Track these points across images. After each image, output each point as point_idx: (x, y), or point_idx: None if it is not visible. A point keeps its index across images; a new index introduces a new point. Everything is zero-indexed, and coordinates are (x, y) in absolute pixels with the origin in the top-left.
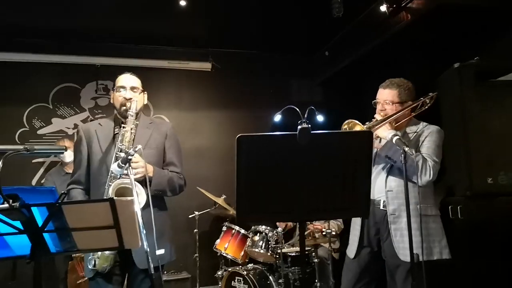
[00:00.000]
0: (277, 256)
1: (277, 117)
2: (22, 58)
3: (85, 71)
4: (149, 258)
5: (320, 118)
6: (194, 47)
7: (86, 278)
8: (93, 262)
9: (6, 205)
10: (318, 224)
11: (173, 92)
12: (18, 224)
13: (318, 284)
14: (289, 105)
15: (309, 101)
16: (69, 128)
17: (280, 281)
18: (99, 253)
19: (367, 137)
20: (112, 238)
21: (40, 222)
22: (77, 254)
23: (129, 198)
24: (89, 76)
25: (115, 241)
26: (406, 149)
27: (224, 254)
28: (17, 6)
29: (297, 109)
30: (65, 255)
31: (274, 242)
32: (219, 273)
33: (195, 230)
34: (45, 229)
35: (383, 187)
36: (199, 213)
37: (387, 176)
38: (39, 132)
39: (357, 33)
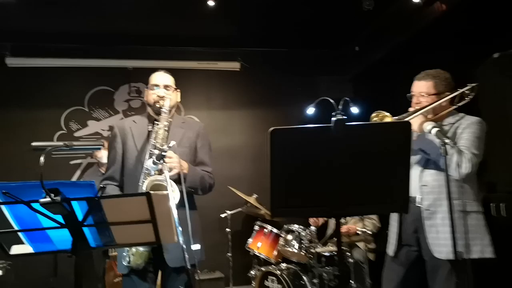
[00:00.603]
0: (311, 256)
1: (310, 110)
2: (58, 63)
3: (118, 74)
4: (185, 253)
5: (354, 110)
6: (223, 47)
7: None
8: (127, 259)
9: (48, 199)
10: (352, 226)
11: (203, 93)
12: (59, 218)
13: (354, 285)
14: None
15: (339, 97)
16: (104, 130)
17: (315, 281)
18: (134, 250)
19: (406, 128)
20: (149, 232)
21: (80, 217)
22: (114, 253)
23: (165, 192)
24: (122, 79)
25: (151, 235)
26: (447, 140)
27: (257, 254)
28: (53, 14)
29: (331, 101)
30: (103, 254)
31: (307, 242)
32: (252, 272)
33: (227, 230)
34: (85, 223)
35: (417, 182)
36: (231, 212)
37: (422, 170)
38: (76, 134)
39: (388, 26)
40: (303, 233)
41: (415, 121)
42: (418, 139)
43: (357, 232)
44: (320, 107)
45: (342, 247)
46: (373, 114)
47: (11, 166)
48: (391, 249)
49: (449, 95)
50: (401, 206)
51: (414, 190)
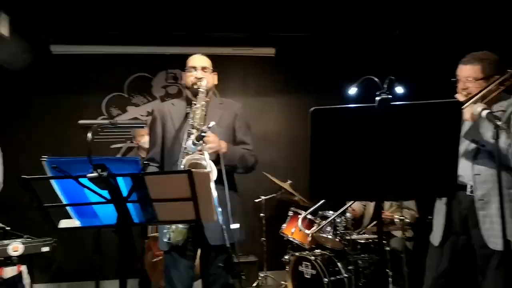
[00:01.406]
0: (346, 243)
1: (352, 90)
2: (100, 50)
3: (156, 60)
4: (225, 232)
5: (399, 89)
6: (258, 33)
7: (161, 257)
8: (168, 236)
9: (95, 174)
10: (388, 213)
11: (238, 79)
12: (105, 193)
13: (390, 273)
14: (357, 84)
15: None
16: (142, 116)
17: (350, 267)
18: (174, 227)
19: (455, 107)
20: (189, 210)
21: (125, 192)
22: (152, 234)
23: (206, 170)
24: (160, 66)
25: (192, 213)
26: (499, 123)
27: (290, 239)
28: (95, 2)
29: (376, 79)
30: (141, 234)
31: (342, 228)
32: (286, 257)
33: (262, 215)
34: (129, 199)
35: (469, 170)
36: (265, 197)
37: (474, 159)
38: (116, 119)
39: (429, 8)
40: (338, 220)
41: (466, 111)
42: (470, 128)
43: (395, 220)
44: (363, 89)
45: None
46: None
47: (58, 148)
48: (436, 238)
49: (498, 78)
50: (448, 190)
51: (467, 178)
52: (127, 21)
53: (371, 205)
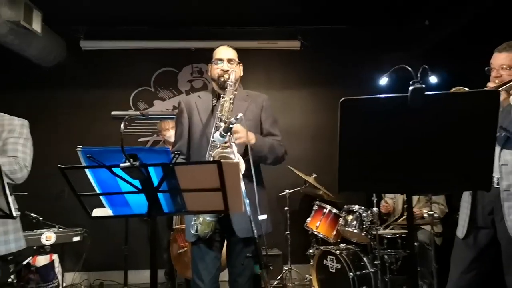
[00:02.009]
0: (372, 238)
1: (383, 80)
2: (127, 45)
3: (181, 55)
4: (252, 223)
5: (433, 79)
6: (283, 26)
7: (186, 248)
8: (195, 228)
9: (127, 163)
10: (416, 209)
11: (262, 72)
12: (137, 183)
13: (418, 269)
14: (388, 74)
15: (405, 75)
16: (168, 110)
17: (376, 262)
18: (201, 219)
19: (493, 97)
20: (218, 201)
21: (155, 182)
22: (178, 226)
23: (235, 161)
24: (185, 60)
25: (220, 204)
26: None
27: (315, 233)
28: None
29: (409, 68)
30: (167, 226)
31: (369, 222)
32: (311, 251)
33: (286, 208)
34: (160, 189)
35: (496, 161)
36: (290, 191)
37: (501, 149)
38: (147, 111)
39: None
40: (364, 214)
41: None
42: (500, 115)
43: (424, 216)
44: (395, 80)
45: (406, 231)
46: (453, 90)
47: (86, 140)
48: (461, 230)
49: None
50: (483, 183)
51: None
52: (153, 16)
53: (399, 200)
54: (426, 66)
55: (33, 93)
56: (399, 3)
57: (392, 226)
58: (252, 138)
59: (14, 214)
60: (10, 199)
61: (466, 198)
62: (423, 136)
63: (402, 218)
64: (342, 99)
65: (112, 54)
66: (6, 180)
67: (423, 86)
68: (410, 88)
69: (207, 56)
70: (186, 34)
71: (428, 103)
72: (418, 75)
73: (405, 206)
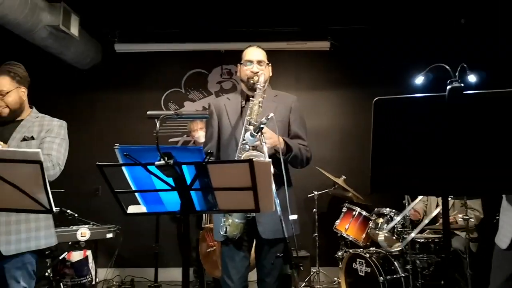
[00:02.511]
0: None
1: (419, 79)
2: (159, 48)
3: (211, 57)
4: (283, 224)
5: (472, 78)
6: (313, 27)
7: (214, 247)
8: (224, 229)
9: (162, 161)
10: (451, 217)
11: (291, 73)
12: (170, 181)
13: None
14: (424, 73)
15: (440, 76)
16: (198, 111)
17: (407, 267)
18: (230, 221)
19: None
20: (249, 200)
21: (188, 180)
22: (207, 225)
23: (266, 160)
24: (215, 62)
25: (251, 203)
26: None
27: (344, 235)
28: (154, 2)
29: (447, 67)
30: (196, 225)
31: (400, 226)
32: (339, 254)
33: (314, 210)
34: (193, 187)
35: None
36: (318, 193)
37: None
38: (181, 110)
39: None
40: (395, 217)
41: None
42: None
43: (458, 221)
44: (427, 81)
45: (440, 235)
46: None
47: (119, 140)
48: (503, 240)
49: None
50: None
51: None
52: (184, 19)
53: (432, 204)
54: (465, 65)
55: (70, 94)
56: (435, 2)
57: (425, 230)
58: (281, 142)
59: (54, 209)
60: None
61: (507, 205)
62: (461, 136)
63: (437, 224)
64: (376, 98)
65: (145, 57)
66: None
67: (462, 85)
68: (448, 87)
69: (236, 58)
70: (216, 36)
71: (467, 102)
72: (457, 74)
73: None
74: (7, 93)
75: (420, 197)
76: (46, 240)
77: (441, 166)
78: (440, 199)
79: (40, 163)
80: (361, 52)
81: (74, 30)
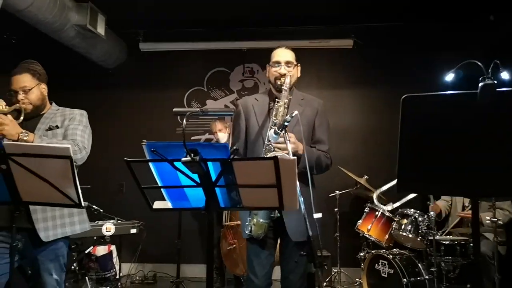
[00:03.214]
0: (428, 243)
1: (449, 76)
2: (183, 47)
3: (233, 55)
4: (307, 222)
5: (505, 75)
6: (335, 25)
7: (235, 245)
8: (249, 228)
9: (188, 158)
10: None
11: (314, 71)
12: (196, 177)
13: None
14: (455, 69)
15: (468, 74)
16: (223, 108)
17: (432, 269)
18: (255, 220)
19: None
20: (273, 197)
21: (213, 177)
22: (227, 223)
23: (292, 157)
24: (237, 60)
25: (275, 201)
26: None
27: (366, 236)
28: (177, 2)
29: (479, 63)
30: (218, 223)
31: (425, 227)
32: (361, 254)
33: (336, 209)
34: (218, 184)
35: None
36: (340, 192)
37: None
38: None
39: None
40: (420, 218)
41: None
42: None
43: (486, 222)
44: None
45: (466, 238)
46: None
47: (143, 137)
48: None
49: None
50: None
51: None
52: (206, 18)
53: (458, 204)
54: (498, 61)
55: (96, 93)
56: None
57: (450, 231)
58: (301, 148)
59: (83, 203)
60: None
61: None
62: (493, 135)
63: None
64: (405, 95)
65: (168, 55)
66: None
67: (495, 82)
68: (480, 84)
69: (258, 56)
70: (238, 35)
71: (500, 100)
72: (489, 71)
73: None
74: (30, 90)
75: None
76: (81, 225)
77: (471, 166)
78: (465, 200)
79: (70, 158)
80: (385, 50)
81: (101, 29)
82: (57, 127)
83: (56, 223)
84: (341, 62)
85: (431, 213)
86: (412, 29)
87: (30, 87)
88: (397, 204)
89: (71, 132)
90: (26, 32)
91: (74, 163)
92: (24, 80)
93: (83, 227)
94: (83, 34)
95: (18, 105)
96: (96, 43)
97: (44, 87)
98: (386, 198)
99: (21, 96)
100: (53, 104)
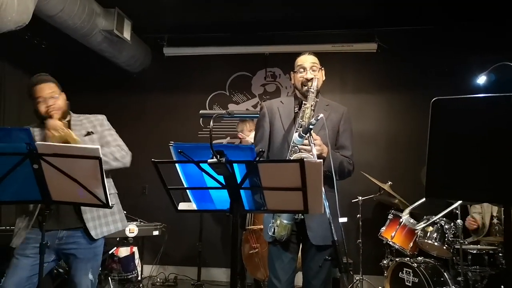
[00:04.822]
0: (454, 252)
1: (482, 79)
2: (205, 51)
3: (255, 60)
4: (332, 226)
5: None
6: (359, 28)
7: (257, 250)
8: (272, 230)
9: (215, 159)
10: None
11: (337, 76)
12: (221, 179)
13: None
14: (488, 71)
15: (499, 78)
16: (249, 110)
17: (459, 279)
18: (278, 222)
19: None
20: (298, 201)
21: (238, 179)
22: (250, 227)
23: (318, 160)
24: (259, 65)
25: (300, 204)
26: None
27: (390, 243)
28: (200, 7)
29: None
30: (240, 226)
31: (451, 235)
32: (384, 262)
33: (358, 216)
34: (243, 186)
35: None
36: (363, 198)
37: None
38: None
39: None
40: (446, 226)
41: None
42: None
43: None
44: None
45: (494, 247)
46: None
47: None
48: None
49: None
50: None
51: None
52: (228, 23)
53: (487, 215)
54: None
55: (121, 96)
56: (482, 3)
57: (480, 241)
58: (325, 151)
59: (110, 203)
60: (107, 190)
61: None
62: None
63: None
64: (434, 98)
65: (191, 60)
66: (116, 164)
67: None
68: None
69: (280, 60)
70: (260, 39)
71: None
72: None
73: (493, 221)
74: (58, 96)
75: (475, 207)
76: (122, 223)
77: (503, 172)
78: (494, 210)
79: (99, 159)
80: (409, 54)
81: (127, 34)
82: (92, 132)
83: (102, 222)
84: (365, 66)
85: (459, 221)
86: (438, 32)
87: (58, 94)
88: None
89: (112, 138)
90: (55, 37)
91: (125, 166)
92: (51, 87)
93: (124, 224)
94: (110, 39)
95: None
96: (122, 48)
97: (64, 97)
98: (410, 205)
99: (51, 101)
100: (72, 113)
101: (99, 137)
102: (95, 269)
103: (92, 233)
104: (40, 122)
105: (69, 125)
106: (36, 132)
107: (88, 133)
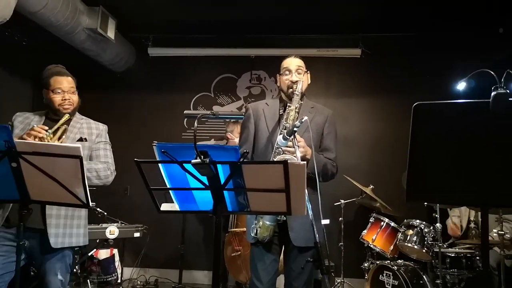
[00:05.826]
0: (433, 255)
1: (461, 85)
2: (190, 52)
3: (241, 62)
4: (314, 228)
5: None
6: (344, 34)
7: (239, 252)
8: (255, 231)
9: (198, 160)
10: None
11: (321, 80)
12: (204, 179)
13: None
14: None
15: (478, 86)
16: (234, 111)
17: (437, 281)
18: (261, 223)
19: None
20: (281, 202)
21: (222, 180)
22: (233, 229)
23: (301, 162)
24: (245, 67)
25: (283, 205)
26: None
27: (371, 246)
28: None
29: (492, 73)
30: (222, 228)
31: (431, 239)
32: (365, 265)
33: (340, 219)
34: (226, 187)
35: None
36: (345, 201)
37: None
38: (203, 118)
39: None
40: (426, 230)
41: None
42: None
43: (493, 235)
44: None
45: (471, 250)
46: None
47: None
48: None
49: None
50: None
51: None
52: (214, 25)
53: (464, 217)
54: (511, 71)
55: (104, 96)
56: (469, 8)
57: (457, 244)
58: (309, 153)
59: (91, 204)
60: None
61: None
62: (504, 144)
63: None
64: (416, 103)
65: (176, 61)
66: (97, 182)
67: (508, 91)
68: (493, 93)
69: (266, 63)
70: (246, 42)
71: None
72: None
73: (470, 225)
74: (74, 92)
75: (454, 211)
76: (84, 238)
77: (482, 176)
78: (471, 214)
79: (80, 158)
80: (392, 60)
81: (111, 33)
82: (85, 139)
83: (66, 232)
84: (349, 71)
85: (437, 225)
86: (421, 38)
87: (75, 90)
88: None
89: (103, 153)
90: (37, 35)
91: (105, 185)
92: (70, 81)
93: (85, 240)
94: (93, 37)
95: (64, 127)
96: (106, 47)
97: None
98: (391, 208)
99: (67, 95)
100: (77, 113)
101: (90, 146)
102: (63, 270)
103: (51, 240)
104: (46, 112)
105: (69, 126)
106: (35, 119)
107: (81, 139)
